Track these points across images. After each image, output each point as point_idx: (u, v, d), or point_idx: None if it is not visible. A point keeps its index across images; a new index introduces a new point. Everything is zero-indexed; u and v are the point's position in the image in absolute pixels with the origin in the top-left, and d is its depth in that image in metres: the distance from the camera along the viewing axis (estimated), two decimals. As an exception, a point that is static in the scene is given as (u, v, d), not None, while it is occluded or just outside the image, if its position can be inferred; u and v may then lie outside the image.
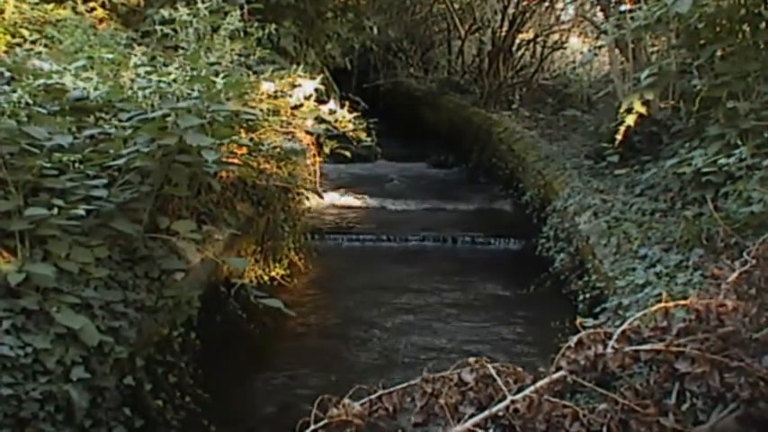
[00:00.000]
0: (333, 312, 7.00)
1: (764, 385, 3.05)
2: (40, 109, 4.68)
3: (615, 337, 3.27)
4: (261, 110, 6.09)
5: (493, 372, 3.22)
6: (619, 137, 6.77)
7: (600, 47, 10.15)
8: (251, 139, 6.05)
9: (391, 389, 3.22)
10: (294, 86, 6.72)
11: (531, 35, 14.12)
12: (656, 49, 9.03)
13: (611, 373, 3.28)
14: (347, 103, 7.22)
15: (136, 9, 9.20)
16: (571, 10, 13.79)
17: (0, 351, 3.53)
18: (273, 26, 8.14)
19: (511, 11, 13.22)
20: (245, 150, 6.02)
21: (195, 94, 4.96)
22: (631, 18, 6.93)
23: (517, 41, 13.87)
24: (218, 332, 5.64)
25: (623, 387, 3.25)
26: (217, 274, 5.70)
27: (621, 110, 6.69)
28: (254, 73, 7.00)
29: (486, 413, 3.11)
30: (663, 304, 3.44)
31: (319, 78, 7.04)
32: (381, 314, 6.90)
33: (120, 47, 7.46)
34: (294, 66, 7.41)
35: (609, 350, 3.22)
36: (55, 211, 4.16)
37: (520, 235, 8.89)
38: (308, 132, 6.96)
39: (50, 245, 4.13)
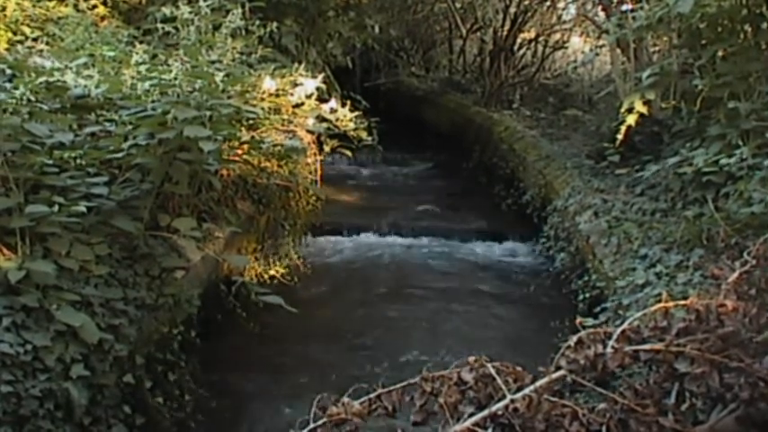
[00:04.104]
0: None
1: (764, 386, 3.05)
2: (41, 106, 4.68)
3: (615, 336, 3.27)
4: (262, 108, 6.10)
5: (492, 371, 3.22)
6: (620, 136, 6.77)
7: (601, 46, 10.16)
8: (252, 137, 6.05)
9: (390, 387, 3.22)
10: (295, 85, 6.72)
11: (532, 34, 14.09)
12: (657, 48, 9.03)
13: (610, 373, 3.29)
14: (348, 101, 7.22)
15: (137, 7, 9.21)
16: (573, 9, 13.77)
17: (0, 348, 3.53)
18: (275, 24, 8.13)
19: (512, 10, 13.20)
20: (246, 148, 6.03)
21: (196, 89, 4.97)
22: (633, 18, 6.92)
23: (518, 41, 13.85)
24: (219, 330, 5.65)
25: (623, 387, 3.25)
26: (217, 272, 5.70)
27: (622, 109, 6.69)
28: (256, 71, 7.00)
29: (486, 412, 3.11)
30: (663, 304, 3.45)
31: (321, 77, 7.04)
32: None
33: (121, 45, 7.46)
34: (296, 64, 7.41)
35: (608, 350, 3.22)
36: (55, 208, 4.16)
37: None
38: (308, 131, 6.96)
39: (51, 242, 4.13)
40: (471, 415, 3.11)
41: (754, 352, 3.15)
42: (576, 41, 14.08)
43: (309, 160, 7.30)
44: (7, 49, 6.77)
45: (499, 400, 3.14)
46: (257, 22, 7.81)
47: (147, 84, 5.19)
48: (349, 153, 7.11)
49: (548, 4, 13.56)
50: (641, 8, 6.81)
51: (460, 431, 3.06)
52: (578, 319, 3.99)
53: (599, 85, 11.46)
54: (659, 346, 3.20)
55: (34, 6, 7.87)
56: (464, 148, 12.16)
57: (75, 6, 8.28)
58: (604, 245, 6.02)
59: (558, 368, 3.22)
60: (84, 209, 4.26)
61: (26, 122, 4.37)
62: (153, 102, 4.97)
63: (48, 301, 3.84)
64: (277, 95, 6.51)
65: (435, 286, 7.64)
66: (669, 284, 4.68)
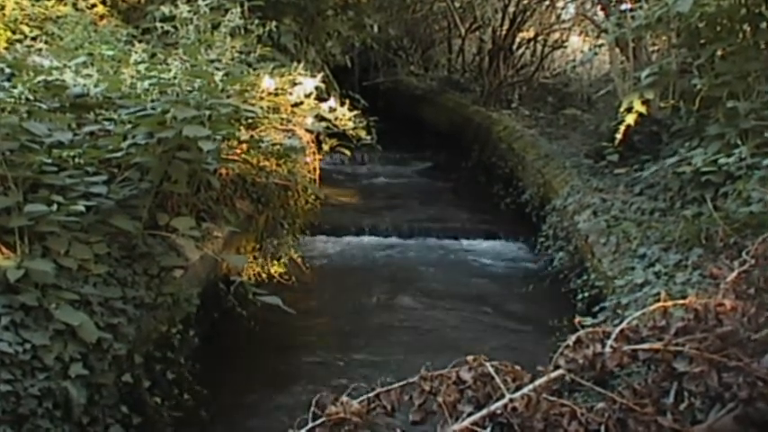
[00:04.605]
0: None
1: (763, 385, 3.06)
2: (40, 105, 4.68)
3: (614, 336, 3.28)
4: (261, 107, 6.09)
5: (491, 370, 3.22)
6: (619, 136, 6.77)
7: (600, 46, 10.13)
8: (251, 137, 6.05)
9: (389, 386, 3.22)
10: (294, 84, 6.71)
11: (531, 34, 14.10)
12: (656, 48, 9.02)
13: (609, 372, 3.29)
14: (347, 101, 7.21)
15: (136, 6, 9.21)
16: (572, 9, 13.77)
17: (-1, 347, 3.53)
18: (274, 23, 8.13)
19: (511, 9, 13.20)
20: (245, 147, 6.02)
21: (195, 88, 4.97)
22: (632, 17, 6.92)
23: (518, 40, 13.85)
24: (217, 329, 5.65)
25: (621, 386, 3.26)
26: (216, 272, 5.70)
27: (621, 109, 6.69)
28: (255, 70, 7.00)
29: (485, 411, 3.11)
30: (661, 303, 3.45)
31: (320, 76, 7.03)
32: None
33: (120, 44, 7.46)
34: (294, 63, 7.41)
35: (607, 349, 3.22)
36: (54, 207, 4.16)
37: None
38: (307, 130, 6.96)
39: (50, 241, 4.13)
40: (470, 414, 3.11)
41: (752, 351, 3.15)
42: (575, 41, 14.08)
43: (308, 159, 7.30)
44: (6, 48, 6.76)
45: (498, 399, 3.14)
46: (256, 21, 7.81)
47: (146, 83, 5.18)
48: (348, 152, 7.10)
49: (547, 3, 13.56)
50: (640, 7, 6.80)
51: (459, 430, 3.06)
52: (577, 319, 3.99)
53: (598, 84, 11.46)
54: (658, 345, 3.21)
55: (33, 5, 7.86)
56: (463, 148, 12.16)
57: (74, 5, 8.27)
58: (603, 244, 6.02)
59: (557, 367, 3.23)
60: (82, 208, 4.26)
61: (25, 121, 4.36)
62: (152, 101, 4.97)
63: (47, 300, 3.84)
64: (276, 94, 6.50)
65: (433, 286, 7.64)
66: (668, 284, 4.68)
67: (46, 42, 7.09)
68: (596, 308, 5.11)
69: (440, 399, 3.15)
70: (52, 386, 3.65)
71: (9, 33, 7.16)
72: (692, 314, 3.29)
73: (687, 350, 3.15)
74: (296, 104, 6.64)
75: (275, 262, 7.00)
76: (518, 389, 3.16)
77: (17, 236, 4.04)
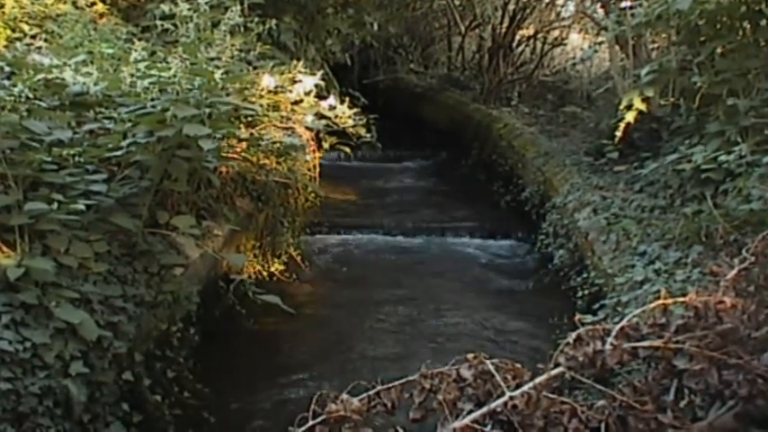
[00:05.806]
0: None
1: (763, 382, 3.06)
2: (40, 103, 4.68)
3: (614, 333, 3.28)
4: (261, 105, 6.09)
5: (491, 368, 3.22)
6: (618, 133, 6.77)
7: (600, 43, 10.14)
8: (251, 135, 6.05)
9: (389, 384, 3.22)
10: (294, 82, 6.72)
11: (531, 31, 14.09)
12: (656, 45, 9.02)
13: (609, 370, 3.29)
14: (347, 98, 7.22)
15: (136, 4, 9.20)
16: (571, 6, 13.74)
17: (-1, 345, 3.54)
18: (274, 22, 8.13)
19: (511, 7, 13.19)
20: (244, 145, 6.02)
21: (195, 86, 4.97)
22: (632, 15, 6.92)
23: (517, 38, 13.85)
24: (218, 327, 5.66)
25: (622, 384, 3.26)
26: (216, 270, 5.70)
27: (621, 107, 6.68)
28: (255, 68, 7.00)
29: (485, 409, 3.11)
30: (661, 301, 3.45)
31: (319, 74, 7.04)
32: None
33: (120, 42, 7.45)
34: (294, 61, 7.41)
35: (607, 347, 3.22)
36: (54, 205, 4.16)
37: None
38: (307, 128, 6.97)
39: (50, 239, 4.13)
40: (470, 412, 3.11)
41: (752, 349, 3.15)
42: (574, 38, 14.06)
43: (308, 157, 7.30)
44: (6, 47, 6.76)
45: (498, 397, 3.14)
46: (256, 20, 7.80)
47: (146, 81, 5.19)
48: (348, 150, 7.11)
49: (546, 0, 13.55)
50: (640, 5, 6.80)
51: (459, 428, 3.06)
52: (577, 316, 3.99)
53: (598, 82, 11.43)
54: (658, 342, 3.21)
55: (33, 3, 7.85)
56: (463, 146, 12.16)
57: (74, 3, 8.26)
58: (603, 242, 6.02)
59: (557, 365, 3.23)
60: (83, 206, 4.26)
61: (25, 120, 4.37)
62: (152, 99, 4.97)
63: (47, 299, 3.85)
64: (276, 92, 6.51)
65: (433, 284, 7.64)
66: (668, 281, 4.68)
67: (45, 40, 7.09)
68: (596, 305, 5.11)
69: (440, 396, 3.15)
70: (53, 384, 3.66)
71: (9, 31, 7.15)
72: (692, 312, 3.29)
73: (687, 348, 3.15)
74: (296, 102, 6.65)
75: (275, 260, 7.00)
76: (518, 386, 3.16)
77: (17, 234, 4.04)
